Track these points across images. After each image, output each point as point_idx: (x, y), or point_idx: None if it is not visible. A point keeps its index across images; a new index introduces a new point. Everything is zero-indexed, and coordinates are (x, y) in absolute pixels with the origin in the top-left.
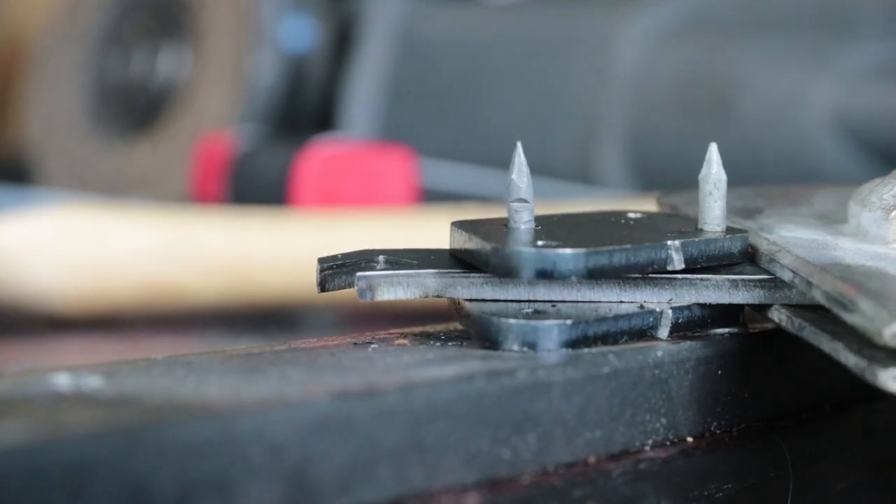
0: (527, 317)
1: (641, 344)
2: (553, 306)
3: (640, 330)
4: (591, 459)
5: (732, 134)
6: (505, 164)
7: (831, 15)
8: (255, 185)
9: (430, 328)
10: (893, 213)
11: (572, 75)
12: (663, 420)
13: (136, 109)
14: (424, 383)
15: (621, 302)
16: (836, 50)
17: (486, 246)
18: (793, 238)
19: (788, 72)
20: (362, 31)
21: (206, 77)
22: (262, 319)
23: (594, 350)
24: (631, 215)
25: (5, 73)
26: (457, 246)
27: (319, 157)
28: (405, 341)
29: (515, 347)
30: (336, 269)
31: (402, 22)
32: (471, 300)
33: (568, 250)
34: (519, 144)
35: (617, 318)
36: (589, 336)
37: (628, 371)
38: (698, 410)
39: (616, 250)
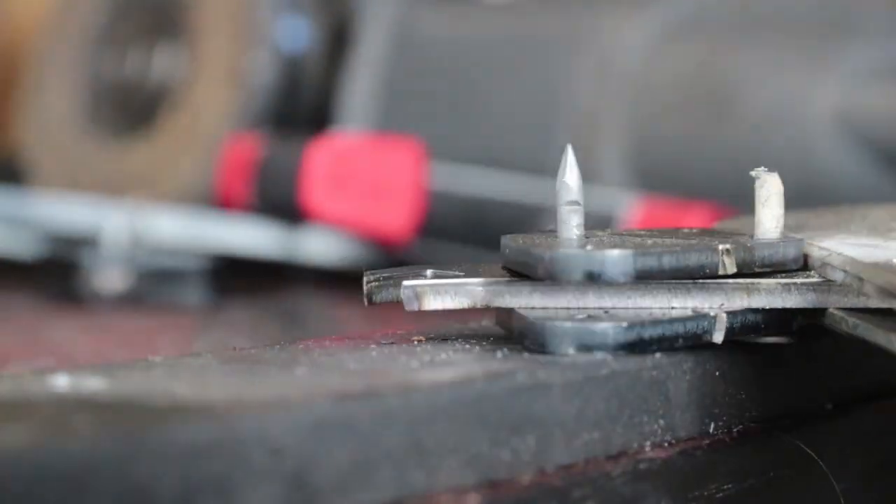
0: (581, 321)
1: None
2: (605, 312)
3: (694, 334)
4: (590, 460)
5: (734, 134)
6: (504, 163)
7: (834, 15)
8: (273, 184)
9: (444, 329)
10: None
11: (572, 74)
12: (661, 421)
13: (132, 109)
14: (424, 385)
15: (672, 308)
16: (839, 50)
17: (536, 251)
18: (844, 244)
19: (791, 71)
20: (359, 31)
21: (203, 77)
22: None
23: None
24: (694, 230)
25: (2, 73)
26: (508, 257)
27: (329, 146)
28: (420, 339)
29: (571, 351)
30: (383, 282)
31: (399, 21)
32: (520, 308)
33: (616, 252)
34: (569, 146)
35: (672, 321)
36: (645, 339)
37: (626, 372)
38: (696, 412)
39: (665, 252)
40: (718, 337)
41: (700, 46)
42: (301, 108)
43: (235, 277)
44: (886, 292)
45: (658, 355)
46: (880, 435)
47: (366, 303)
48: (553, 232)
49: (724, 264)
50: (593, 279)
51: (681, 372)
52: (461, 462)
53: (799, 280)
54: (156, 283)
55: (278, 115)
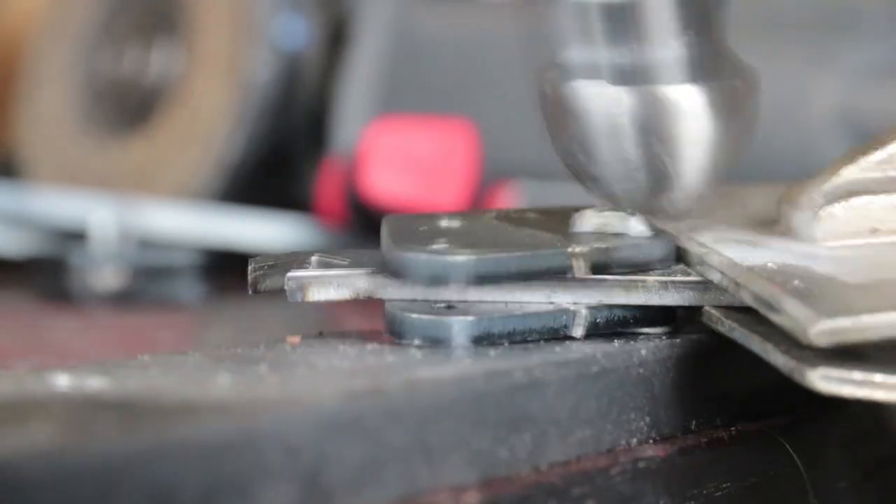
0: (434, 312)
1: (555, 342)
2: (471, 305)
3: (551, 328)
4: (588, 458)
5: None
6: (503, 165)
7: (835, 13)
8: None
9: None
10: (821, 213)
11: None
12: (647, 418)
13: (129, 107)
14: (428, 383)
15: (551, 302)
16: (840, 48)
17: (390, 254)
18: (722, 239)
19: (791, 70)
20: (357, 29)
21: (201, 74)
22: None
23: (504, 346)
24: (588, 214)
25: (1, 72)
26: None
27: (385, 128)
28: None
29: (417, 342)
30: (268, 270)
31: (397, 20)
32: (391, 300)
33: (451, 257)
34: None
35: (525, 316)
36: (494, 333)
37: (615, 370)
38: (678, 408)
39: (507, 257)
40: (578, 332)
41: None
42: (299, 105)
43: (233, 274)
44: (761, 300)
45: (644, 351)
46: (880, 433)
47: (250, 291)
48: (437, 216)
49: (574, 268)
50: (436, 282)
51: (664, 369)
52: (463, 459)
53: (676, 278)
54: (152, 281)
55: (276, 113)
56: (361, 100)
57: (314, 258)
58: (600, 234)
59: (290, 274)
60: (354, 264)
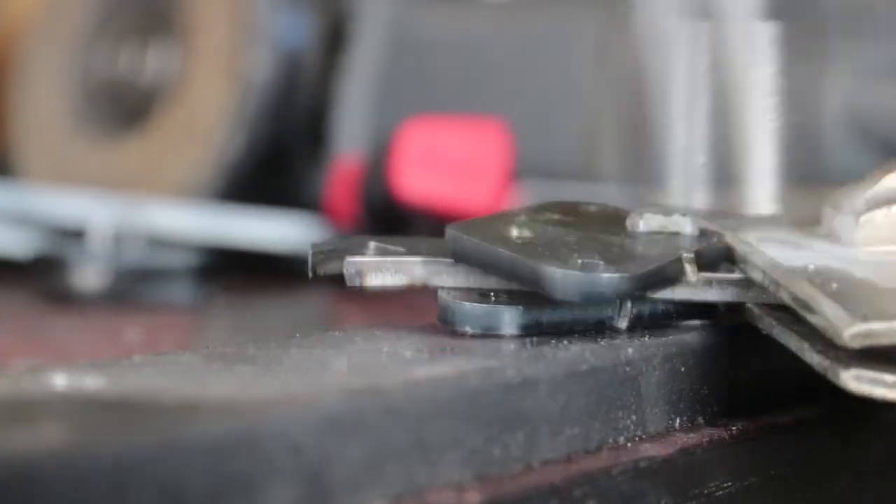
0: (485, 301)
1: (600, 335)
2: (519, 296)
3: (597, 320)
4: (581, 457)
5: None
6: None
7: (843, 13)
8: (373, 188)
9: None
10: (862, 218)
11: (572, 74)
12: (633, 416)
13: (126, 107)
14: (425, 381)
15: None
16: (849, 48)
17: (532, 266)
18: (767, 238)
19: (800, 69)
20: (357, 28)
21: (199, 74)
22: None
23: (552, 338)
24: (648, 215)
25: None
26: (468, 253)
27: (419, 128)
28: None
29: (469, 330)
30: (327, 255)
31: (397, 19)
32: (445, 288)
33: (605, 275)
34: None
35: (574, 306)
36: (542, 322)
37: (604, 368)
38: (663, 407)
39: (652, 272)
40: (623, 324)
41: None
42: (299, 105)
43: (233, 274)
44: (799, 301)
45: (630, 350)
46: (881, 433)
47: (310, 275)
48: (494, 218)
49: (688, 273)
50: (591, 298)
51: (650, 368)
52: (459, 458)
53: (721, 275)
54: (152, 281)
55: (276, 113)
56: (361, 99)
57: (372, 244)
58: (659, 235)
59: (349, 259)
60: (410, 252)
